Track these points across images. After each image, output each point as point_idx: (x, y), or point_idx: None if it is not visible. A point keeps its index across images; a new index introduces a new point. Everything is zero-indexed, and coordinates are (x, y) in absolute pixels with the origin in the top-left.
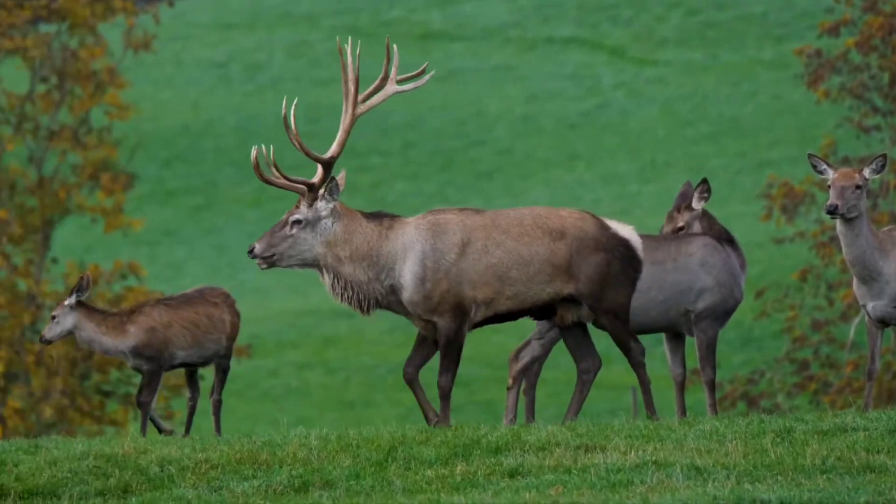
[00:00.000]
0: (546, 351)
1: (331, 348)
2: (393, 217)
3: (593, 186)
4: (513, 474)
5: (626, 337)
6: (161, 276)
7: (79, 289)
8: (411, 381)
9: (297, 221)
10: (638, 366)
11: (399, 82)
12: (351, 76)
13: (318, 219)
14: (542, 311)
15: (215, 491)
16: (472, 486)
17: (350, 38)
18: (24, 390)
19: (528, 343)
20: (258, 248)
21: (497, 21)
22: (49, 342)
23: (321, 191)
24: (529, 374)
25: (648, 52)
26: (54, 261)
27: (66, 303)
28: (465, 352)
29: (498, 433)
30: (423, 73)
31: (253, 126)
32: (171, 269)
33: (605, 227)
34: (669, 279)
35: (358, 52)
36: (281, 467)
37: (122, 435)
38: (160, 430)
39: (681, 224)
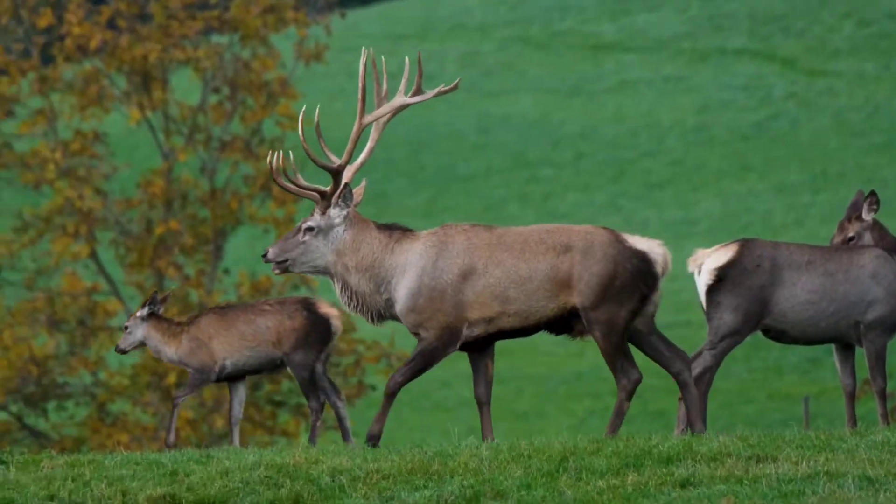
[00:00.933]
0: (717, 361)
1: (503, 359)
2: (405, 231)
3: (765, 197)
4: (684, 485)
5: (616, 357)
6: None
7: (151, 302)
8: (481, 404)
9: (310, 229)
10: (622, 389)
11: (410, 94)
12: (361, 85)
13: (331, 226)
14: (556, 326)
15: (386, 501)
16: (643, 497)
17: (363, 48)
18: (195, 401)
19: (699, 353)
20: (271, 253)
21: (669, 32)
22: (123, 352)
23: (334, 198)
24: (701, 385)
25: (820, 63)
26: (226, 271)
27: (138, 315)
28: (637, 361)
29: (669, 443)
30: (456, 86)
31: (423, 137)
32: None
33: (619, 241)
34: (840, 290)
35: (363, 62)
36: (452, 478)
37: (294, 445)
38: (168, 435)
39: (851, 234)
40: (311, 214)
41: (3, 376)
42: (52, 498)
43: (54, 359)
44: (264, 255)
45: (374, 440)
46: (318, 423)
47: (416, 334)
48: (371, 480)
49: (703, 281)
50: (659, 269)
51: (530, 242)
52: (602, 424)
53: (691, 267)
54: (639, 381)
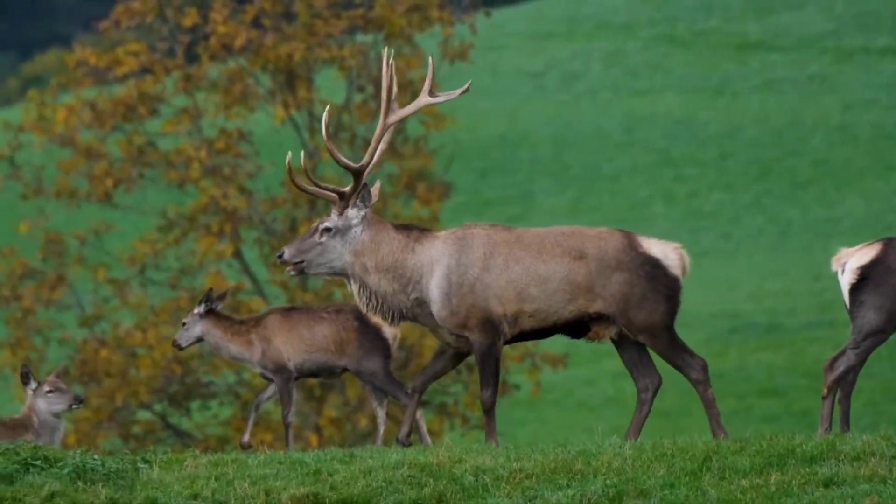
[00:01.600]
0: (861, 360)
1: None
2: (423, 230)
3: None
4: (827, 484)
5: (673, 354)
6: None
7: (207, 299)
8: (414, 392)
9: (328, 229)
10: (696, 383)
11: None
12: (385, 84)
13: (349, 227)
14: (574, 328)
15: (529, 501)
16: (787, 496)
17: (385, 47)
18: (339, 400)
19: (843, 352)
20: (287, 253)
21: (814, 30)
22: (181, 348)
23: (353, 199)
24: (845, 384)
25: None
26: None
27: (196, 311)
28: (780, 361)
29: (813, 443)
30: (468, 89)
31: (568, 136)
32: None
33: (632, 246)
34: None
35: (391, 61)
36: (595, 477)
37: (437, 444)
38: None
39: None
40: (328, 215)
41: (148, 375)
42: (195, 497)
43: (198, 358)
44: (280, 256)
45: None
46: (419, 416)
47: (462, 336)
48: (514, 480)
49: (846, 280)
50: (677, 272)
51: (546, 244)
52: (744, 424)
53: (835, 266)
54: (706, 366)
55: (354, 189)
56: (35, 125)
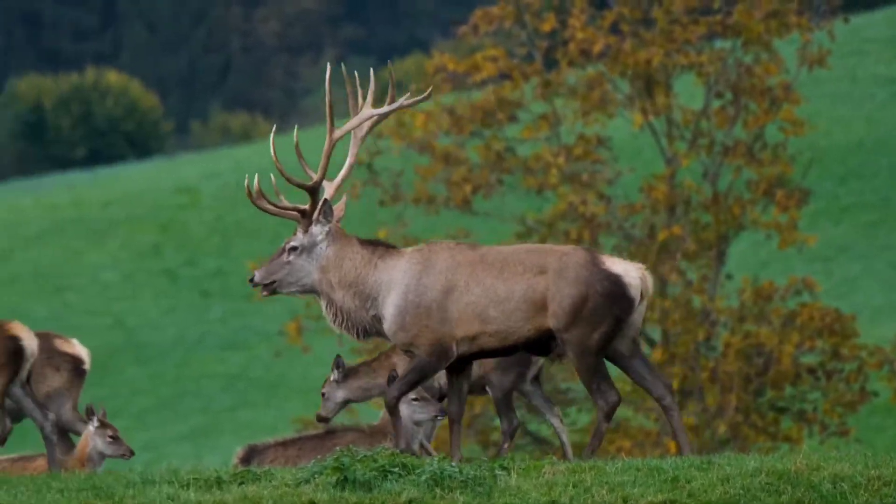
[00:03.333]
0: None
1: None
2: (388, 247)
3: None
4: None
5: (590, 378)
6: (835, 292)
7: (338, 366)
8: (452, 421)
9: (294, 248)
10: (600, 410)
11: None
12: (328, 100)
13: (314, 244)
14: (536, 346)
15: None
16: None
17: (328, 63)
18: (698, 406)
19: None
20: (258, 276)
21: None
22: (328, 420)
23: (315, 216)
24: None
25: None
26: (729, 277)
27: (332, 378)
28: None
29: None
30: (429, 96)
31: None
32: (846, 285)
33: (595, 263)
34: None
35: (329, 77)
36: None
37: (796, 452)
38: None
39: None
40: (294, 234)
41: None
42: (553, 503)
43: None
44: (251, 280)
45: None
46: (506, 446)
47: (409, 352)
48: (872, 487)
49: None
50: (634, 292)
51: (510, 263)
52: None
53: None
54: (617, 404)
55: (314, 206)
56: (394, 131)
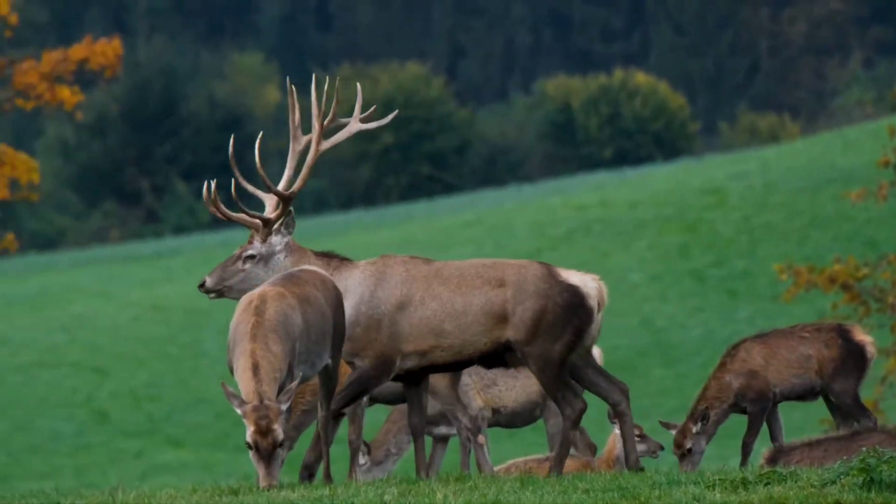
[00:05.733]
0: None
1: None
2: (343, 259)
3: None
4: None
5: (555, 389)
6: None
7: (702, 417)
8: (416, 435)
9: (251, 256)
10: (566, 419)
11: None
12: (315, 113)
13: (272, 254)
14: (489, 360)
15: None
16: None
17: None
18: None
19: None
20: (209, 282)
21: None
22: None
23: (276, 225)
24: None
25: None
26: None
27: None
28: None
29: None
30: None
31: None
32: None
33: (552, 276)
34: None
35: (325, 88)
36: None
37: None
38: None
39: None
40: (250, 242)
41: None
42: None
43: None
44: (201, 285)
45: (307, 470)
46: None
47: (351, 363)
48: None
49: None
50: (592, 302)
51: (466, 276)
52: None
53: None
54: (583, 410)
55: (281, 215)
56: None
